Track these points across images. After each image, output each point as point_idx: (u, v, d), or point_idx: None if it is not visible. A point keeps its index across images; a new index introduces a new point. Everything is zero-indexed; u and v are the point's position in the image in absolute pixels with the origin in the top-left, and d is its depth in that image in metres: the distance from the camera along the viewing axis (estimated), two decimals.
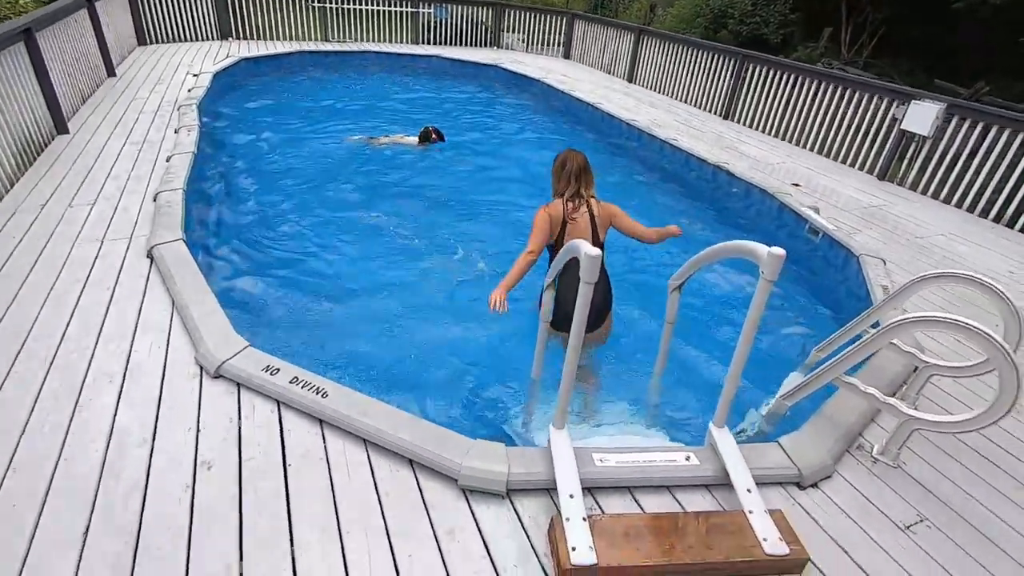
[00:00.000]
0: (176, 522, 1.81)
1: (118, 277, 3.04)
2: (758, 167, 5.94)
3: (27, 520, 1.77)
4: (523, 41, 12.30)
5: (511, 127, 7.69)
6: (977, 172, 5.25)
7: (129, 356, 2.49)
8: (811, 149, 6.80)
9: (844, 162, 6.42)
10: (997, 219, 5.14)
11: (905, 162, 5.86)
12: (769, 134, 7.30)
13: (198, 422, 2.19)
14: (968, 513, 2.13)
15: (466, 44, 11.75)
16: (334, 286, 3.62)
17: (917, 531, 2.04)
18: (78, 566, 1.65)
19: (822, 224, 4.49)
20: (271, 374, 2.35)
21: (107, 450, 2.04)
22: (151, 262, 3.17)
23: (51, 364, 2.40)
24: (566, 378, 2.00)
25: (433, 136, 6.33)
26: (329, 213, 4.59)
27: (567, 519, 1.84)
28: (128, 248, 3.31)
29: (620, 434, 2.70)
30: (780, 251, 1.83)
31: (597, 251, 1.75)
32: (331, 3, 10.63)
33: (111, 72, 6.95)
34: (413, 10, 11.28)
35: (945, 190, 5.52)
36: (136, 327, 2.68)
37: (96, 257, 3.21)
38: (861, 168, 6.25)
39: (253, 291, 3.46)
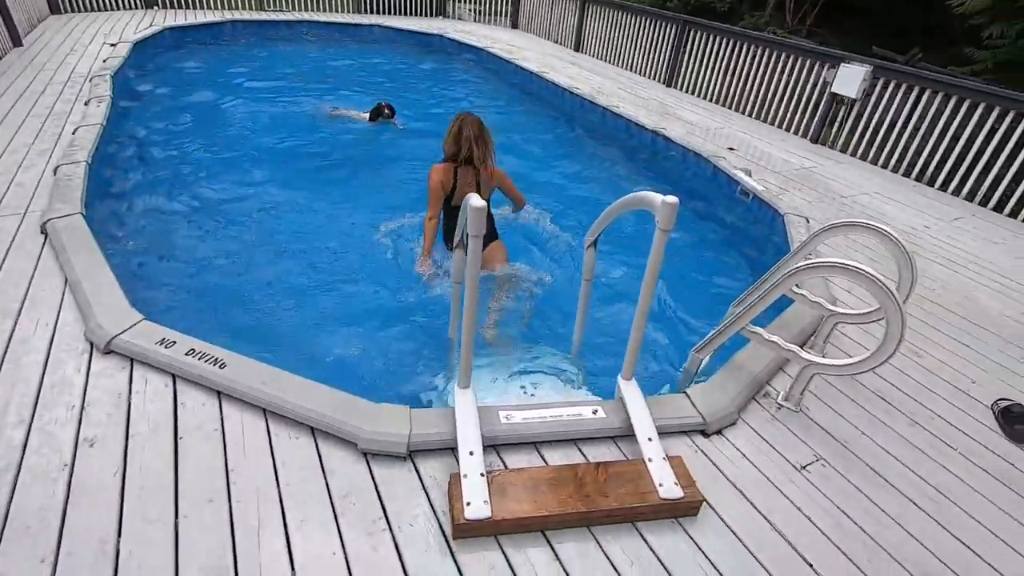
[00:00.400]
0: (50, 501, 1.71)
1: (6, 253, 2.84)
2: (696, 132, 5.98)
3: None
4: (472, 11, 12.02)
5: (454, 96, 7.53)
6: (901, 133, 5.41)
7: (12, 334, 2.34)
8: (750, 114, 6.88)
9: (780, 126, 6.53)
10: (919, 178, 5.32)
11: (836, 125, 5.99)
12: (710, 100, 7.35)
13: (83, 399, 2.07)
14: (862, 451, 2.21)
15: (410, 13, 11.39)
16: (244, 259, 3.48)
17: (812, 470, 2.11)
18: None
19: (752, 186, 4.56)
20: (166, 347, 2.24)
21: None
22: (45, 237, 2.97)
23: None
24: (466, 336, 1.97)
25: (386, 112, 6.00)
26: (245, 188, 4.37)
27: (465, 475, 1.82)
28: (21, 224, 3.10)
29: (541, 392, 2.70)
30: (673, 199, 1.82)
31: (482, 203, 1.70)
32: None
33: (17, 42, 6.45)
34: None
35: (872, 151, 5.67)
36: (23, 305, 2.51)
37: None
38: (796, 132, 6.37)
39: (160, 266, 3.29)
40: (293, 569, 1.61)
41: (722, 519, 1.88)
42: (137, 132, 5.02)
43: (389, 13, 11.19)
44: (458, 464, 1.87)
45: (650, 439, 2.02)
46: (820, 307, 2.68)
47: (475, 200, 1.70)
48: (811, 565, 1.77)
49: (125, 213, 3.75)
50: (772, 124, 6.61)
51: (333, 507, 1.79)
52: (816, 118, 6.08)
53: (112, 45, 6.82)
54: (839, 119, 5.95)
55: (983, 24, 6.97)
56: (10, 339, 2.32)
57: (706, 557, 1.76)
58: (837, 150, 5.96)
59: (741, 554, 1.78)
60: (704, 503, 1.91)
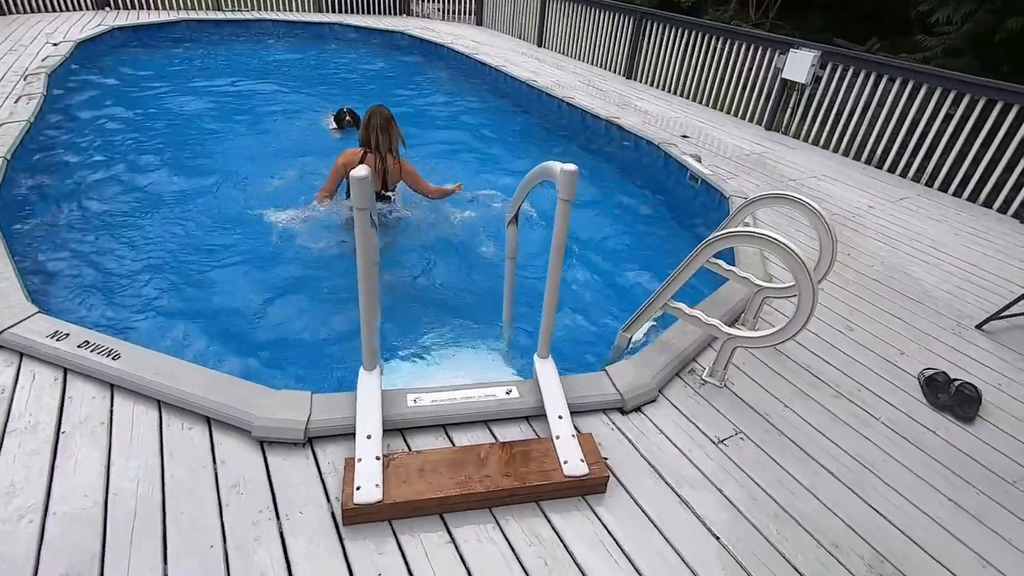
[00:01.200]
0: None
1: None
2: (651, 121, 5.97)
3: None
4: (439, 10, 11.93)
5: (414, 93, 7.44)
6: (851, 117, 5.45)
7: None
8: (706, 103, 6.89)
9: (736, 114, 6.55)
10: (868, 160, 5.36)
11: (788, 111, 6.02)
12: (667, 91, 7.36)
13: None
14: (782, 424, 2.18)
15: (373, 12, 11.27)
16: (155, 255, 3.34)
17: (729, 444, 2.06)
18: None
19: (701, 171, 4.54)
20: (58, 340, 2.13)
21: None
22: None
23: None
24: (366, 316, 1.88)
25: (347, 119, 5.52)
26: (169, 187, 4.18)
27: (359, 460, 1.74)
28: None
29: (467, 375, 2.63)
30: (571, 167, 1.77)
31: (364, 173, 1.63)
32: None
33: None
34: None
35: (824, 136, 5.71)
36: None
37: None
38: (751, 120, 6.39)
39: (68, 261, 3.14)
40: (166, 566, 1.51)
41: (631, 495, 1.83)
42: (66, 130, 4.84)
43: (352, 11, 11.07)
44: (355, 448, 1.79)
45: (560, 417, 1.96)
46: (748, 283, 2.64)
47: (358, 171, 1.63)
48: (718, 538, 1.72)
49: (39, 209, 3.59)
50: (728, 112, 6.63)
51: (219, 498, 1.69)
52: (769, 105, 6.10)
53: (54, 44, 6.61)
54: (791, 105, 5.98)
55: (931, 10, 7.06)
56: None
57: (609, 534, 1.70)
58: (791, 136, 5.99)
59: (647, 530, 1.72)
60: (614, 480, 1.86)
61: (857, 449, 2.10)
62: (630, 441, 2.03)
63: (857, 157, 5.43)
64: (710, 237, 2.16)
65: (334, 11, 10.88)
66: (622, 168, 5.35)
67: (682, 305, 2.34)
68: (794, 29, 12.45)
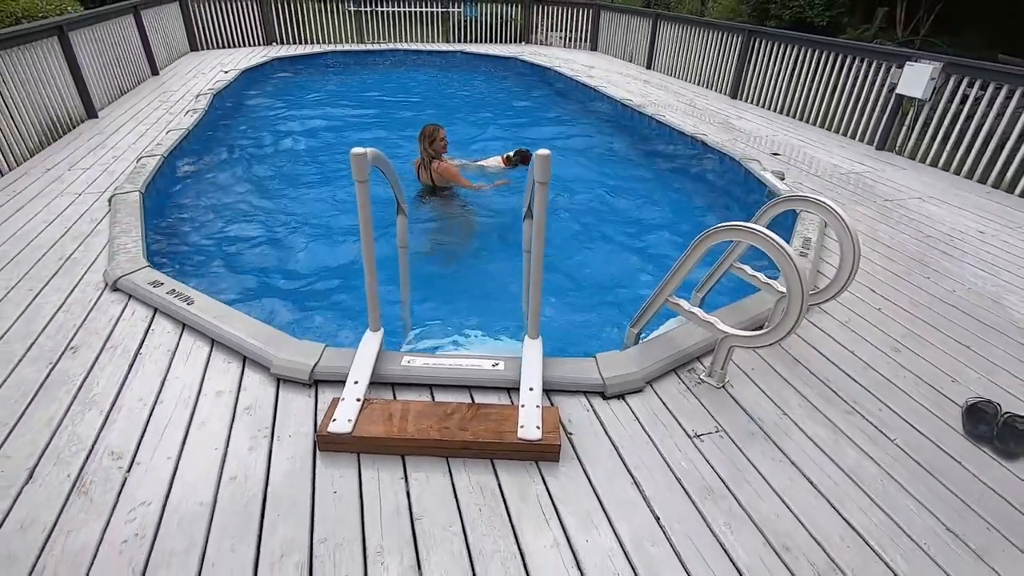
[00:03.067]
0: (27, 388, 2.15)
1: (79, 219, 3.53)
2: (743, 139, 5.77)
3: None
4: (561, 38, 12.45)
5: (521, 110, 7.88)
6: (976, 134, 4.84)
7: (58, 271, 2.93)
8: (814, 123, 6.48)
9: (845, 134, 6.08)
10: (997, 184, 4.71)
11: (904, 129, 5.47)
12: (772, 110, 7.02)
13: (84, 320, 2.55)
14: (774, 431, 2.08)
15: (496, 41, 12.06)
16: (260, 238, 4.00)
17: (705, 439, 2.02)
18: None
19: (778, 188, 4.34)
20: (154, 287, 2.68)
21: (7, 331, 2.43)
22: (109, 207, 3.65)
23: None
24: (370, 281, 2.17)
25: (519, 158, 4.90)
26: (295, 192, 4.93)
27: (343, 399, 2.01)
28: (97, 199, 3.82)
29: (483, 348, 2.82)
30: (544, 152, 1.92)
31: (361, 150, 1.92)
32: (366, 7, 11.30)
33: (154, 71, 7.82)
34: (443, 10, 11.75)
35: (944, 155, 5.11)
36: (75, 251, 3.12)
37: (69, 205, 3.73)
38: (860, 139, 5.90)
39: (190, 234, 3.87)
40: (181, 454, 1.88)
41: (584, 469, 1.88)
42: (217, 138, 5.88)
43: (477, 41, 11.95)
44: (343, 390, 2.06)
45: (531, 389, 2.07)
46: (771, 289, 2.54)
47: (355, 149, 1.92)
48: (658, 519, 1.72)
49: (177, 195, 4.45)
50: (836, 132, 6.18)
51: (234, 416, 2.05)
52: (883, 123, 5.60)
53: (225, 72, 8.02)
54: (907, 123, 5.43)
55: None
56: (57, 271, 2.90)
57: (549, 497, 1.78)
58: (904, 156, 5.44)
59: (588, 500, 1.77)
60: (571, 454, 1.93)
61: (852, 465, 1.95)
62: (601, 423, 2.08)
63: (983, 180, 4.80)
64: (708, 230, 2.16)
65: (460, 41, 11.84)
66: (702, 182, 5.25)
67: (682, 301, 2.33)
68: (948, 46, 11.15)
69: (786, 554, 1.64)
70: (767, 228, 2.63)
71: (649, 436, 2.03)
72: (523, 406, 2.01)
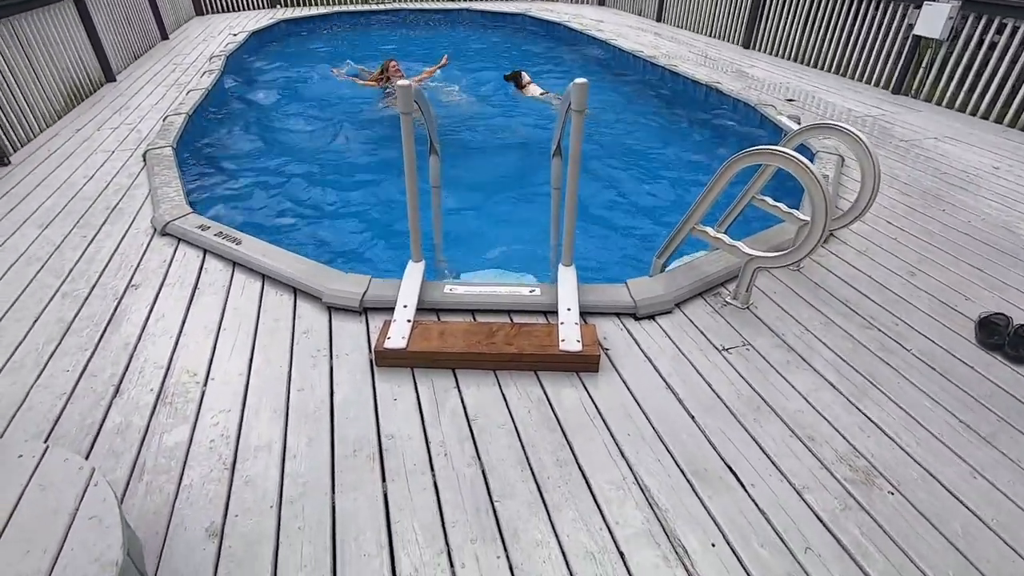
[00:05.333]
0: (99, 319, 2.31)
1: (116, 173, 3.65)
2: (757, 86, 5.76)
3: None
4: None
5: (532, 67, 7.84)
6: (993, 73, 4.83)
7: (107, 219, 3.07)
8: (828, 69, 6.43)
9: (860, 79, 6.05)
10: (999, 119, 4.72)
11: (920, 72, 5.45)
12: (786, 58, 6.96)
13: (140, 262, 2.70)
14: (797, 343, 2.22)
15: None
16: (277, 178, 4.18)
17: (732, 352, 2.17)
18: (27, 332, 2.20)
19: (794, 130, 4.38)
20: (202, 231, 2.82)
21: (65, 279, 2.59)
22: (144, 162, 3.77)
23: (48, 224, 3.02)
24: (412, 214, 2.29)
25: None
26: (297, 132, 5.09)
27: (394, 321, 2.16)
28: (131, 156, 3.93)
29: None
30: (581, 80, 2.01)
31: (406, 82, 2.02)
32: None
33: (164, 36, 7.81)
34: None
35: (960, 97, 5.11)
36: (119, 202, 3.26)
37: (105, 162, 3.85)
38: (876, 84, 5.87)
39: (220, 181, 4.02)
40: (250, 371, 2.05)
41: (622, 377, 2.04)
42: (235, 95, 5.95)
43: None
44: (393, 314, 2.21)
45: (568, 309, 2.21)
46: (793, 219, 2.64)
47: (402, 82, 2.02)
48: (692, 416, 1.88)
49: (205, 148, 4.58)
50: (851, 78, 6.14)
51: (293, 339, 2.21)
52: (898, 67, 5.58)
53: (234, 35, 8.00)
54: (924, 65, 5.41)
55: None
56: (105, 220, 3.04)
57: (592, 400, 1.94)
58: (920, 99, 5.43)
59: (626, 402, 1.93)
60: (609, 365, 2.08)
61: (869, 369, 2.09)
62: (635, 339, 2.22)
63: (999, 119, 4.81)
64: (735, 156, 2.26)
65: None
66: (718, 130, 5.28)
67: (708, 228, 2.45)
68: None
69: (811, 443, 1.80)
70: None
71: (680, 350, 2.17)
72: (562, 323, 2.15)
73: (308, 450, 1.74)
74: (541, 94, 5.88)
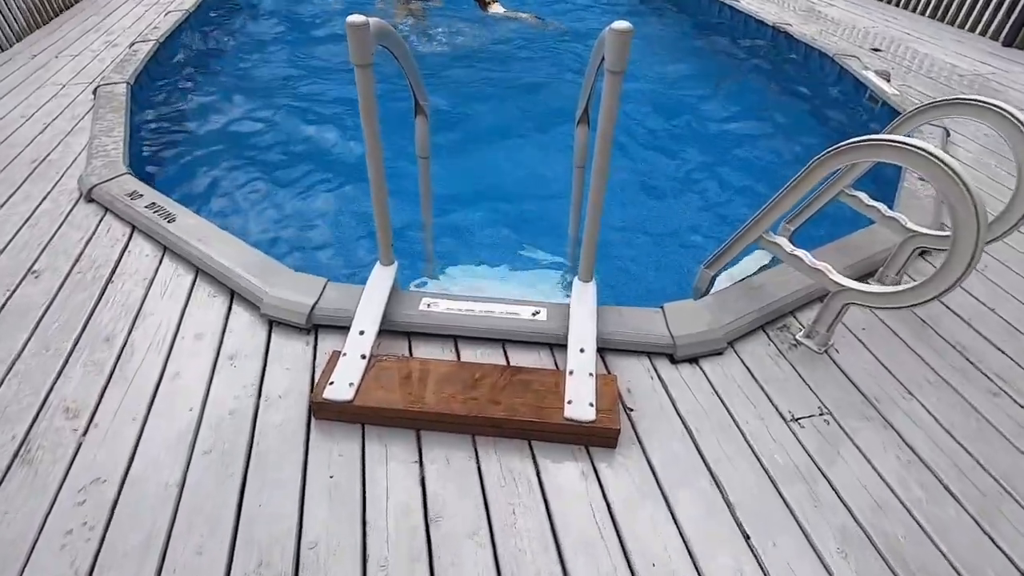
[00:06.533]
0: None
1: (60, 114, 3.07)
2: (834, 31, 4.80)
3: None
4: None
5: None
6: None
7: (29, 175, 2.53)
8: (923, 12, 5.36)
9: (962, 26, 5.00)
10: None
11: None
12: None
13: (51, 238, 2.17)
14: (894, 414, 1.60)
15: None
16: (254, 139, 3.47)
17: (805, 424, 1.57)
18: None
19: (884, 91, 3.54)
20: (133, 198, 2.26)
21: None
22: (94, 100, 3.17)
23: None
24: (377, 207, 1.68)
25: None
26: (273, 83, 4.27)
27: (344, 354, 1.60)
28: (83, 91, 3.33)
29: (517, 291, 2.36)
30: (623, 25, 1.32)
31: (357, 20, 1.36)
32: None
33: None
34: None
35: None
36: (51, 152, 2.70)
37: (51, 98, 3.25)
38: (983, 33, 4.84)
39: (182, 134, 3.39)
40: (147, 416, 1.53)
41: (648, 459, 1.47)
42: (224, 20, 5.20)
43: None
44: (345, 342, 1.65)
45: (582, 350, 1.62)
46: (897, 226, 1.96)
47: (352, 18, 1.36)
48: (748, 537, 1.31)
49: (171, 87, 3.88)
50: (950, 23, 5.09)
51: (214, 367, 1.67)
52: (1015, 12, 4.54)
53: None
54: None
55: None
56: (23, 181, 2.50)
57: (603, 497, 1.38)
58: None
59: (655, 504, 1.37)
60: (631, 436, 1.51)
61: (1004, 470, 1.48)
62: (669, 396, 1.63)
63: None
64: (831, 148, 1.57)
65: None
66: (786, 82, 4.41)
67: (782, 240, 1.79)
68: None
69: None
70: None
71: (732, 416, 1.58)
72: (571, 373, 1.57)
73: (194, 562, 1.23)
74: (506, 13, 5.06)
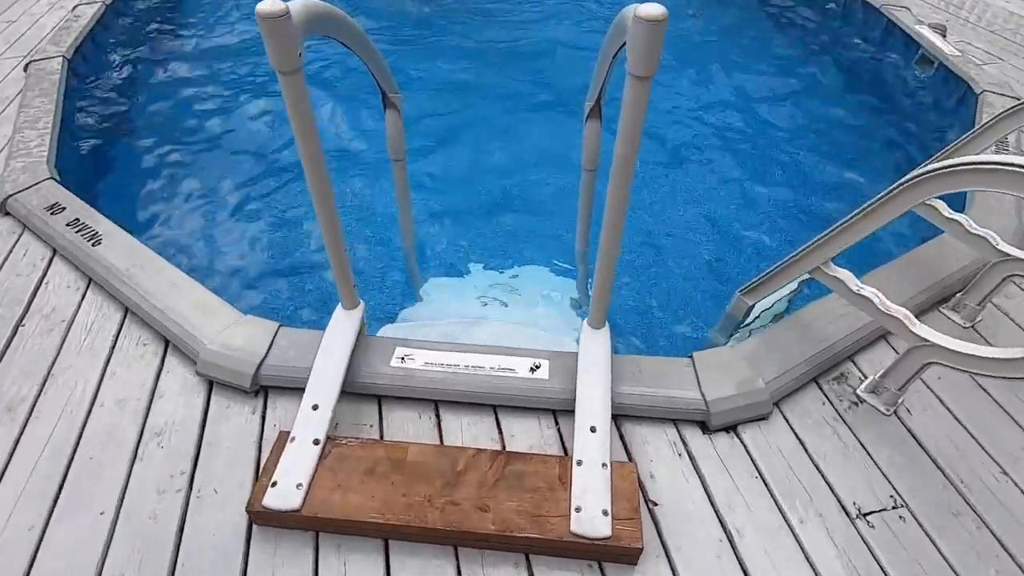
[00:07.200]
0: None
1: None
2: None
3: None
4: None
5: None
6: None
7: None
8: None
9: None
10: None
11: None
12: None
13: None
14: (987, 504, 1.27)
15: None
16: (207, 132, 2.98)
17: (875, 524, 1.24)
18: None
19: (939, 49, 3.04)
20: (53, 213, 1.89)
21: None
22: (25, 80, 2.74)
23: None
24: (328, 241, 1.31)
25: None
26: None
27: (293, 439, 1.27)
28: (15, 67, 2.88)
29: (511, 320, 2.01)
30: (653, 10, 0.92)
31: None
32: None
33: None
34: None
35: None
36: None
37: None
38: None
39: (125, 125, 2.92)
40: (48, 523, 1.22)
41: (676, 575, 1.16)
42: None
43: None
44: (293, 420, 1.32)
45: (593, 429, 1.28)
46: (984, 245, 1.57)
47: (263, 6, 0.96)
48: None
49: (120, 62, 3.36)
50: None
51: (138, 446, 1.36)
52: None
53: None
54: None
55: None
56: None
57: None
58: None
59: None
60: (656, 544, 1.19)
61: None
62: (702, 479, 1.31)
63: None
64: (927, 168, 1.18)
65: None
66: (817, 40, 3.87)
67: (846, 274, 1.41)
68: None
69: None
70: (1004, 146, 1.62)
71: (782, 511, 1.26)
72: (579, 463, 1.23)
73: None
74: None
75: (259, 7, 0.94)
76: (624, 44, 1.07)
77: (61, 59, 2.79)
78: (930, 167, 1.19)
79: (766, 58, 3.77)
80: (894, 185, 1.25)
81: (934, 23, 3.35)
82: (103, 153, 2.68)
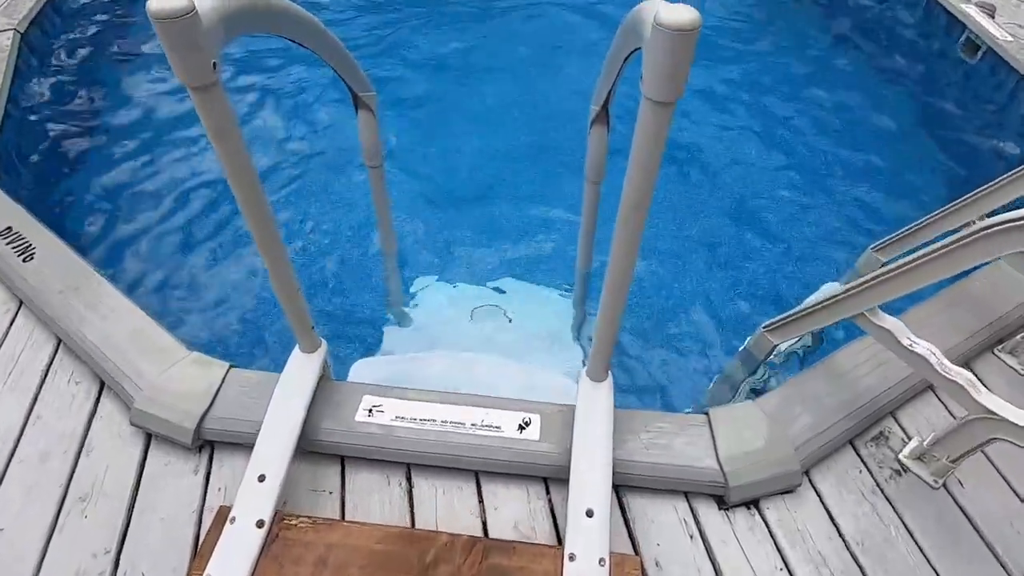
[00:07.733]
0: None
1: None
2: None
3: None
4: None
5: None
6: None
7: None
8: None
9: None
10: None
11: None
12: None
13: None
14: None
15: None
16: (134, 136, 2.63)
17: None
18: None
19: (988, 33, 2.74)
20: None
21: None
22: None
23: None
24: (276, 282, 1.09)
25: None
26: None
27: (232, 519, 1.07)
28: None
29: (497, 356, 1.79)
30: (682, 17, 0.67)
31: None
32: None
33: None
34: None
35: None
36: None
37: None
38: None
39: (80, 114, 2.60)
40: None
41: None
42: None
43: None
44: (237, 492, 1.12)
45: (590, 513, 1.07)
46: None
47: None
48: None
49: (84, 36, 3.03)
50: None
51: (59, 514, 1.16)
52: None
53: None
54: None
55: None
56: None
57: None
58: None
59: None
60: None
61: None
62: (717, 571, 1.11)
63: None
64: (993, 224, 0.94)
65: None
66: (849, 21, 3.54)
67: (896, 325, 1.18)
68: None
69: None
70: None
71: None
72: (571, 558, 1.03)
73: None
74: None
75: (150, 4, 0.69)
76: (637, 50, 0.83)
77: (13, 32, 2.52)
78: (1014, 216, 0.95)
79: (794, 52, 3.45)
80: (967, 232, 1.01)
81: (982, 1, 3.03)
82: (59, 147, 2.40)
